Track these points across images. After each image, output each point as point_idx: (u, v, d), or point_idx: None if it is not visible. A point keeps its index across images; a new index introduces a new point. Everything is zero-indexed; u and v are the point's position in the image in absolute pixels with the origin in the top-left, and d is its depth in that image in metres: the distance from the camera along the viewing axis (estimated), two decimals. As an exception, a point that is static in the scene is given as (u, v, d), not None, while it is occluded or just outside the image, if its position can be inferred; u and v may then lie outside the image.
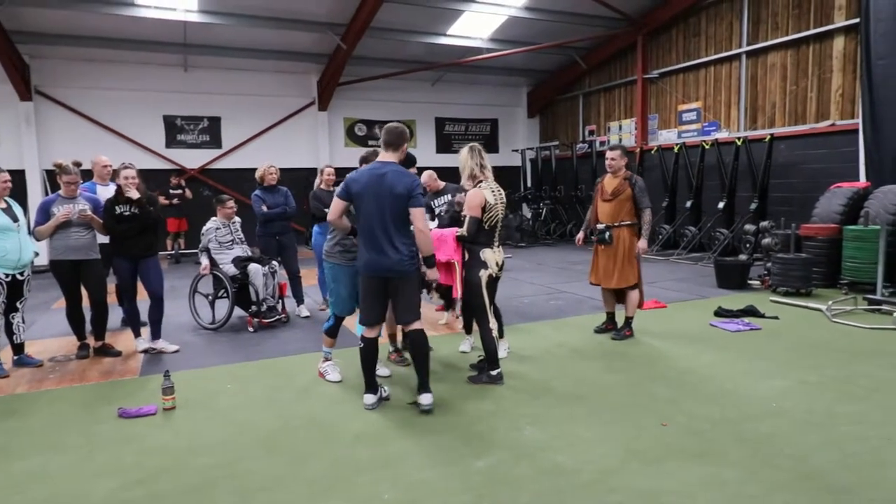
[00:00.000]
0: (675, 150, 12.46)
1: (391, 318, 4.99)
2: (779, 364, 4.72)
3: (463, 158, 4.43)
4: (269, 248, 6.75)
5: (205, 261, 6.33)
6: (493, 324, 4.52)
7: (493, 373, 4.40)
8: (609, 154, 5.57)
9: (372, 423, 3.74)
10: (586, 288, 7.70)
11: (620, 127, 14.70)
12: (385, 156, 3.90)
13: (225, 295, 6.35)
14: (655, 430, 3.50)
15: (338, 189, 3.93)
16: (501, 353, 4.89)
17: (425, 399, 3.87)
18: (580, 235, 5.97)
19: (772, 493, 2.76)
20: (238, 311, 6.45)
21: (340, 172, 7.01)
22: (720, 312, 6.43)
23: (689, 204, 11.89)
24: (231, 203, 6.53)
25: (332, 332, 4.54)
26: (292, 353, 5.41)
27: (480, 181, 4.37)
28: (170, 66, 13.49)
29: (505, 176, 15.38)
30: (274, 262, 6.53)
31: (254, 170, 6.95)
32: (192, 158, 13.96)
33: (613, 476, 2.96)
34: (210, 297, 6.47)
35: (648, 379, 4.45)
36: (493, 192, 4.36)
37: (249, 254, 6.54)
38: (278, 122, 14.61)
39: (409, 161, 5.14)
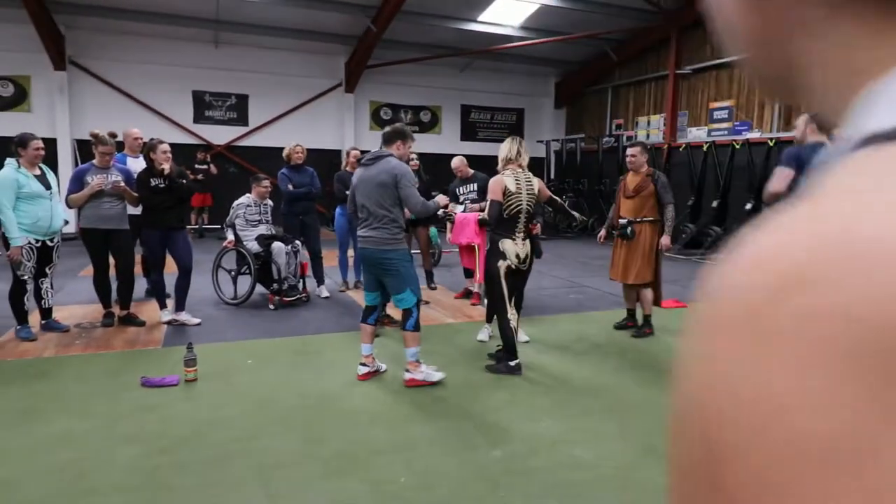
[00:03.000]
0: (704, 148, 12.26)
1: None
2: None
3: (505, 144, 4.59)
4: (292, 227, 6.79)
5: (230, 235, 6.42)
6: (511, 314, 4.51)
7: (512, 363, 4.40)
8: (629, 151, 5.50)
9: (388, 406, 3.77)
10: (607, 283, 7.62)
11: (649, 122, 14.48)
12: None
13: (247, 271, 6.42)
14: (673, 430, 3.47)
15: (788, 157, 3.86)
16: (522, 338, 4.95)
17: None
18: (602, 233, 5.92)
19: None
20: (259, 288, 6.52)
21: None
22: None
23: (715, 204, 11.73)
24: (267, 183, 6.61)
25: (419, 324, 4.08)
26: (312, 332, 5.46)
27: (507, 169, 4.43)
28: (200, 41, 13.55)
29: (529, 167, 15.23)
30: (297, 242, 6.58)
31: (279, 149, 6.99)
32: (219, 135, 14.06)
33: (631, 471, 2.95)
34: (233, 273, 6.54)
35: (667, 376, 4.42)
36: (516, 180, 4.37)
37: (273, 232, 6.60)
38: (305, 103, 14.63)
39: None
